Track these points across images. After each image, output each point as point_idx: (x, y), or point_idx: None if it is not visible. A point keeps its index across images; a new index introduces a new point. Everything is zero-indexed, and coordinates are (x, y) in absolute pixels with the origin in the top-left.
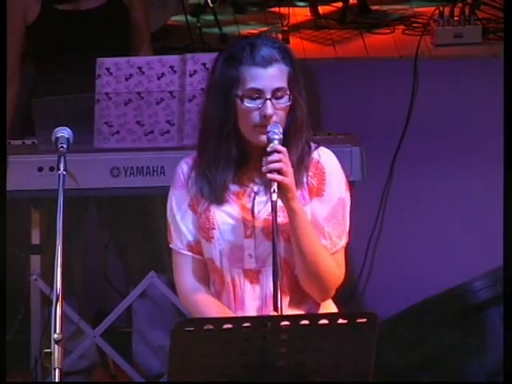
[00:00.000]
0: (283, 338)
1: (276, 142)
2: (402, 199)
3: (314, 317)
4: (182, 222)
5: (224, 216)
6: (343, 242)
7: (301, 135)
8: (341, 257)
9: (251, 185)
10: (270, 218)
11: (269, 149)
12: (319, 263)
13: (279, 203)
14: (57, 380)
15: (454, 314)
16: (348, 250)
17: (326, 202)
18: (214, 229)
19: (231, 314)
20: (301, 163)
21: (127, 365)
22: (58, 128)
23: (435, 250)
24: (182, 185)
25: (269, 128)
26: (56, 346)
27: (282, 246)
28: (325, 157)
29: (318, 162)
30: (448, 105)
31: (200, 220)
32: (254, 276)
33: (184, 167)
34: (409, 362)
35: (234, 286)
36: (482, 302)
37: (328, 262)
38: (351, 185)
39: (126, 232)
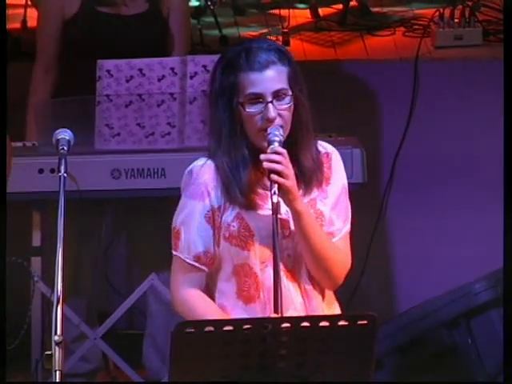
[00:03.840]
0: (283, 339)
1: (276, 143)
2: (403, 201)
3: (314, 319)
4: (196, 232)
5: (261, 222)
6: (347, 227)
7: (309, 134)
8: (346, 242)
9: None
10: None
11: (269, 151)
12: (328, 257)
13: (304, 199)
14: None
15: (455, 316)
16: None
17: (331, 190)
18: (253, 236)
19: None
20: (318, 163)
21: (128, 367)
22: (59, 130)
23: (436, 252)
24: (201, 196)
25: (269, 130)
26: (57, 348)
27: None
28: (328, 147)
29: (327, 153)
30: (449, 106)
31: (231, 230)
32: (294, 275)
33: (206, 176)
34: (409, 364)
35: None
36: (483, 303)
37: (336, 255)
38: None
39: (136, 232)
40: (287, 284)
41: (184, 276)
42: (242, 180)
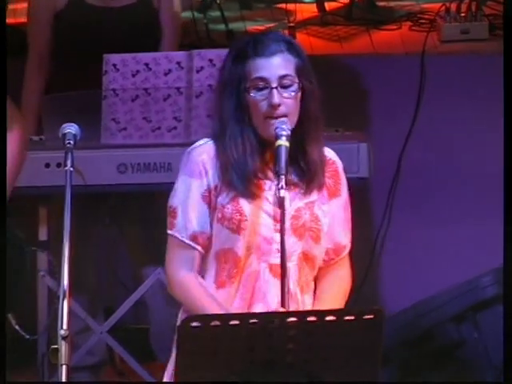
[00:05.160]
0: (290, 334)
1: (284, 138)
2: (409, 195)
3: (321, 313)
4: (192, 210)
5: (256, 209)
6: (350, 243)
7: (318, 128)
8: (349, 258)
9: (272, 178)
10: (297, 214)
11: (276, 144)
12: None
13: (301, 201)
14: (64, 376)
15: (462, 310)
16: (355, 246)
17: (342, 203)
18: (245, 220)
19: (231, 311)
20: (322, 163)
21: (134, 361)
22: (65, 124)
23: (443, 247)
24: (199, 174)
25: (276, 124)
26: (63, 342)
27: (309, 244)
28: (335, 156)
29: (333, 161)
30: (455, 100)
31: (224, 211)
32: (278, 271)
33: (203, 155)
34: (417, 358)
35: (256, 279)
36: (490, 297)
37: (346, 294)
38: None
39: (134, 228)
40: (268, 278)
41: (180, 257)
42: (244, 167)
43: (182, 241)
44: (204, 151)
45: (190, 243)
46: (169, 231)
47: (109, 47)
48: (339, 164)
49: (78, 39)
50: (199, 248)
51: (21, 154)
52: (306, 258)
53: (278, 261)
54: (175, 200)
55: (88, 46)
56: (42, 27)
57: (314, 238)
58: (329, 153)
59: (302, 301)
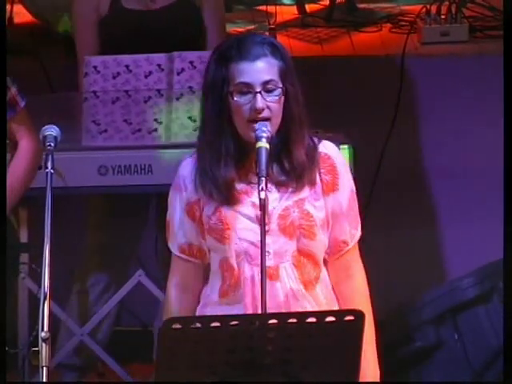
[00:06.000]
0: (270, 336)
1: (264, 140)
2: (390, 195)
3: (301, 315)
4: (178, 224)
5: (237, 215)
6: (359, 232)
7: (302, 129)
8: (358, 250)
9: (257, 181)
10: (284, 213)
11: (257, 146)
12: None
13: (290, 199)
14: (44, 378)
15: (442, 312)
16: None
17: (342, 196)
18: (228, 229)
19: None
20: (312, 160)
21: (115, 363)
22: (46, 126)
23: (424, 248)
24: (179, 188)
25: (257, 126)
26: (43, 345)
27: (302, 241)
28: (332, 150)
29: (328, 156)
30: (435, 102)
31: (210, 223)
32: (273, 273)
33: (185, 170)
34: (397, 361)
35: (253, 285)
36: (471, 299)
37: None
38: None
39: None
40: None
41: (173, 269)
42: (220, 176)
43: (174, 253)
44: (187, 165)
45: (180, 255)
46: (167, 243)
47: (151, 49)
48: (337, 158)
49: (120, 45)
50: (192, 259)
51: (27, 174)
52: (305, 255)
53: (270, 263)
54: (168, 214)
55: (129, 51)
56: (90, 31)
57: (307, 235)
58: (324, 147)
59: (312, 295)
